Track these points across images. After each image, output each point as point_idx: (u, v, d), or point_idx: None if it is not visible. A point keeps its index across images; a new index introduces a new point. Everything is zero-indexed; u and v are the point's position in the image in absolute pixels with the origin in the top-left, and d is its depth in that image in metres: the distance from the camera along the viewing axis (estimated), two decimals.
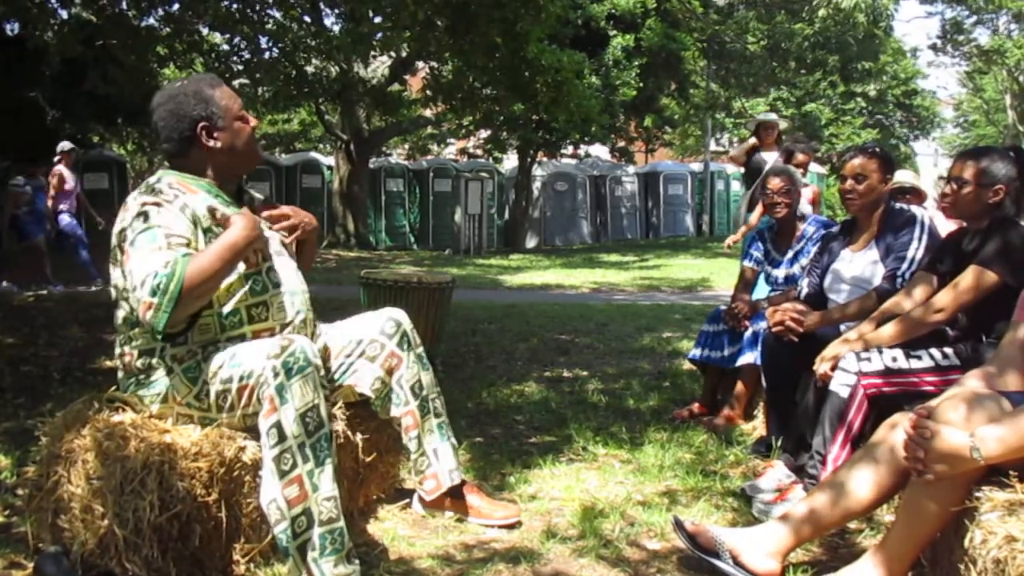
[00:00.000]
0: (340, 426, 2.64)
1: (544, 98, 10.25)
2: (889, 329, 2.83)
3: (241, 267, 2.36)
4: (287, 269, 2.51)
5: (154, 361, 2.35)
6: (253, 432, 2.23)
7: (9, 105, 10.52)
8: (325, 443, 2.16)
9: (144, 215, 2.25)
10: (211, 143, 2.40)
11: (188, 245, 2.26)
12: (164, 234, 2.23)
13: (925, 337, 2.82)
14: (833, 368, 2.82)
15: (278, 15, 9.59)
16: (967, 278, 2.69)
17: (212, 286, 2.23)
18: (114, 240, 2.32)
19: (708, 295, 10.11)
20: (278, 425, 2.11)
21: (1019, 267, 2.61)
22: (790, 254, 4.03)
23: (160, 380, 2.35)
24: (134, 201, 2.30)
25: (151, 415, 2.36)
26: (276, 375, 2.12)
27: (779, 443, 3.21)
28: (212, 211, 2.35)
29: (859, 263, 3.33)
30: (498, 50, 8.22)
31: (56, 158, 10.20)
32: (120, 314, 2.38)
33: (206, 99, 2.39)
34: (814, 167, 21.16)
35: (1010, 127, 29.21)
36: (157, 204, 2.28)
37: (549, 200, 20.19)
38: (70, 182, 10.07)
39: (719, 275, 12.16)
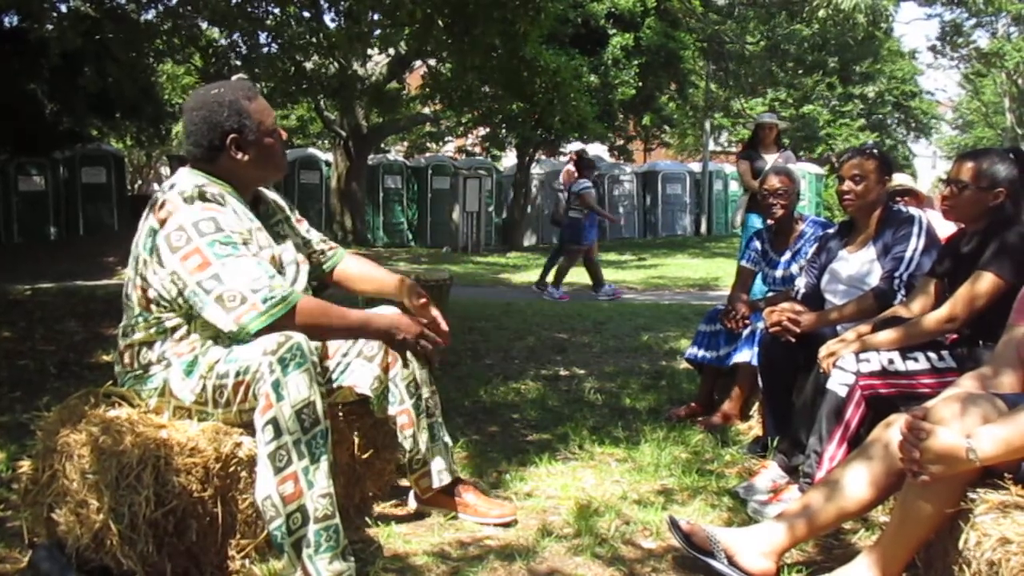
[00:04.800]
0: (337, 422, 2.64)
1: (541, 99, 10.27)
2: (889, 335, 2.81)
3: None
4: (299, 281, 2.51)
5: (154, 355, 2.35)
6: (249, 428, 2.23)
7: (8, 99, 10.50)
8: (321, 440, 2.16)
9: (212, 220, 2.25)
10: (239, 155, 2.39)
11: (255, 245, 2.33)
12: (241, 240, 2.27)
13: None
14: (834, 364, 2.82)
15: (276, 11, 9.56)
16: (982, 285, 2.65)
17: (317, 333, 2.28)
18: (159, 239, 2.26)
19: (716, 295, 10.08)
20: (273, 421, 2.11)
21: (1021, 268, 2.60)
22: (788, 254, 4.03)
23: (158, 374, 2.35)
24: (188, 204, 2.26)
25: (147, 410, 2.36)
26: (272, 371, 2.12)
27: (775, 443, 3.22)
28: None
29: (856, 263, 3.33)
30: (496, 50, 8.21)
31: (566, 158, 10.43)
32: (135, 307, 2.36)
33: (240, 111, 2.38)
34: (811, 167, 21.11)
35: (1008, 130, 29.26)
36: (215, 209, 2.28)
37: (547, 198, 20.16)
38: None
39: (728, 275, 12.17)
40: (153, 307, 2.33)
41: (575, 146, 10.83)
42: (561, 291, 9.79)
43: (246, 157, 2.40)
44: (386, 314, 2.50)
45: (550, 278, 9.87)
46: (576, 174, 9.93)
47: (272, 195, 2.68)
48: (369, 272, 2.82)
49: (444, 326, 2.66)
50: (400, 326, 2.45)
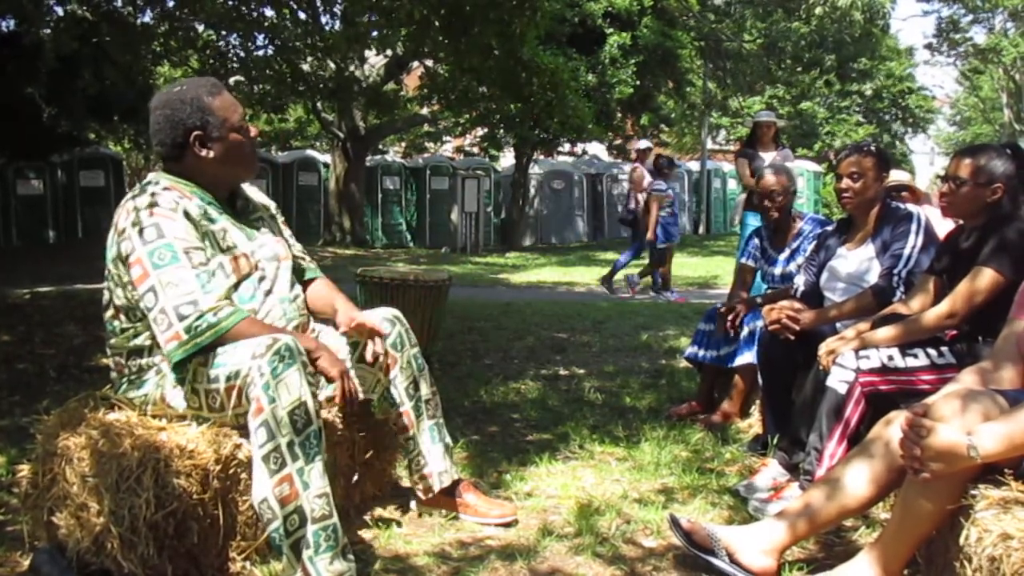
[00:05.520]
0: (336, 423, 2.64)
1: (539, 100, 10.25)
2: (888, 332, 2.81)
3: (232, 277, 2.35)
4: (280, 277, 2.50)
5: (144, 363, 2.36)
6: (246, 430, 2.23)
7: (5, 102, 10.48)
8: (314, 440, 2.15)
9: (155, 227, 2.24)
10: (203, 152, 2.38)
11: (203, 252, 2.29)
12: (183, 248, 2.24)
13: None
14: (833, 361, 2.82)
15: (270, 13, 9.57)
16: (982, 281, 2.64)
17: None
18: (115, 247, 2.30)
19: (716, 293, 10.06)
20: (266, 424, 2.10)
21: (1020, 263, 2.60)
22: (787, 252, 4.03)
23: (150, 381, 2.35)
24: (137, 212, 2.27)
25: (145, 414, 2.36)
26: (262, 374, 2.11)
27: (775, 441, 3.22)
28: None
29: (855, 260, 3.33)
30: (493, 50, 8.21)
31: (633, 156, 10.35)
32: (109, 316, 2.38)
33: (203, 108, 2.36)
34: (809, 165, 21.11)
35: (1006, 125, 29.26)
36: (163, 215, 2.27)
37: (546, 198, 20.16)
38: (648, 179, 9.84)
39: (727, 273, 12.14)
40: (122, 316, 2.35)
41: (642, 144, 10.65)
42: (676, 293, 9.71)
43: (211, 154, 2.38)
44: (315, 340, 2.42)
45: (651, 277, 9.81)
46: (643, 172, 9.84)
47: (257, 195, 2.68)
48: (326, 295, 2.69)
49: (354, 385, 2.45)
50: (317, 354, 2.30)
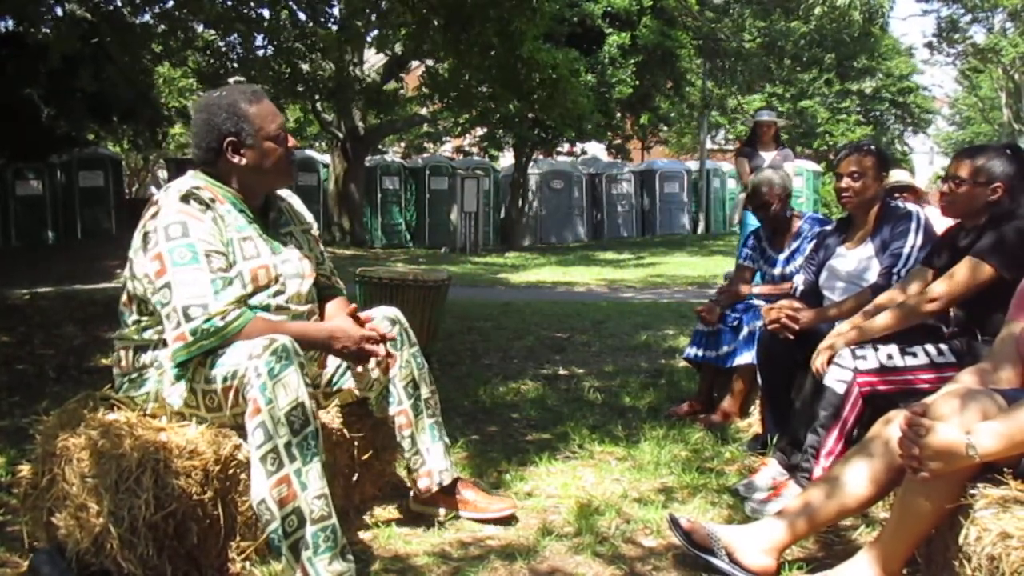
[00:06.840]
0: (336, 423, 2.65)
1: (539, 96, 10.24)
2: (883, 318, 2.82)
3: (249, 287, 2.35)
4: (298, 294, 2.50)
5: (147, 359, 2.35)
6: (243, 430, 2.23)
7: (4, 103, 10.49)
8: (312, 441, 2.15)
9: (182, 225, 2.24)
10: (236, 159, 2.38)
11: (226, 258, 2.28)
12: (204, 251, 2.24)
13: (921, 334, 2.82)
14: (829, 362, 2.82)
15: (267, 14, 9.57)
16: (962, 269, 2.67)
17: None
18: (138, 240, 2.31)
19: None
20: (263, 425, 2.10)
21: (1013, 260, 2.60)
22: (786, 252, 4.03)
23: (151, 379, 2.35)
24: (168, 207, 2.27)
25: (146, 413, 2.36)
26: (259, 375, 2.11)
27: (774, 440, 3.22)
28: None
29: (854, 260, 3.33)
30: (493, 49, 8.22)
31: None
32: (122, 306, 2.39)
33: (239, 114, 2.36)
34: (809, 164, 21.13)
35: (1005, 125, 29.26)
36: (191, 215, 2.27)
37: (545, 198, 20.18)
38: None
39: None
40: (133, 306, 2.35)
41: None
42: None
43: (244, 161, 2.39)
44: (325, 325, 2.47)
45: None
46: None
47: (296, 205, 2.67)
48: (333, 314, 2.68)
49: (378, 333, 2.51)
50: (335, 335, 2.39)
